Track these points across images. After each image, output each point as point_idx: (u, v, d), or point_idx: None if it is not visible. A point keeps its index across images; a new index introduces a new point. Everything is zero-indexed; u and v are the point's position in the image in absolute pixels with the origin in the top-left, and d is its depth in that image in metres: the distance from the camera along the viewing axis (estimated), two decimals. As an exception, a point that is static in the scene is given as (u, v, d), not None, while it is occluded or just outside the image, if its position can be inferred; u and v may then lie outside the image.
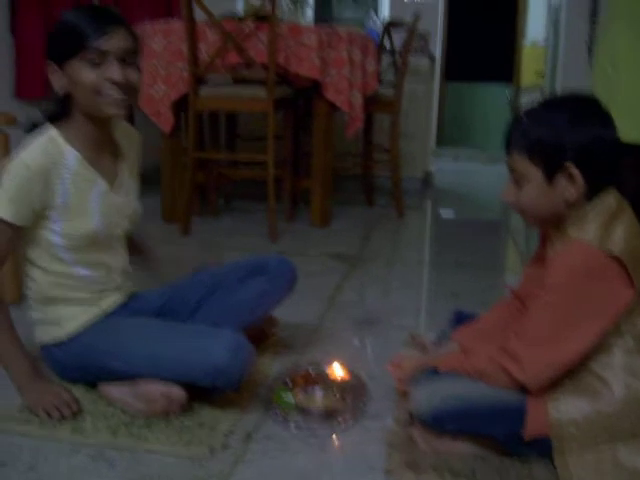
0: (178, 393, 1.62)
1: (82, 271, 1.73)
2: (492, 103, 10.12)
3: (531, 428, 1.41)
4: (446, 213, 4.70)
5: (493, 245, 3.98)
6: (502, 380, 1.43)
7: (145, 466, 1.46)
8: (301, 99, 4.19)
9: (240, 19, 3.48)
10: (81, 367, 1.72)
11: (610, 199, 1.42)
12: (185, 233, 3.54)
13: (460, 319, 1.88)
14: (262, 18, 3.38)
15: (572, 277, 1.38)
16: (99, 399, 1.71)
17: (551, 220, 1.48)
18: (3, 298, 1.72)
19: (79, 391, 1.74)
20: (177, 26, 3.49)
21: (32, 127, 1.71)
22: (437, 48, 5.91)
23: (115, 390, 1.69)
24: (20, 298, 2.37)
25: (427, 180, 5.62)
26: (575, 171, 1.38)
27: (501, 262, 3.67)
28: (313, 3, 6.28)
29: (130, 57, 1.65)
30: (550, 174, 1.41)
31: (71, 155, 1.67)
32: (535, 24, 8.50)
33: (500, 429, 1.44)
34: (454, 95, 9.93)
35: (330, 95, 3.58)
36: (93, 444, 1.54)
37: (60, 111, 1.69)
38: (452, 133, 9.67)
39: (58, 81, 1.64)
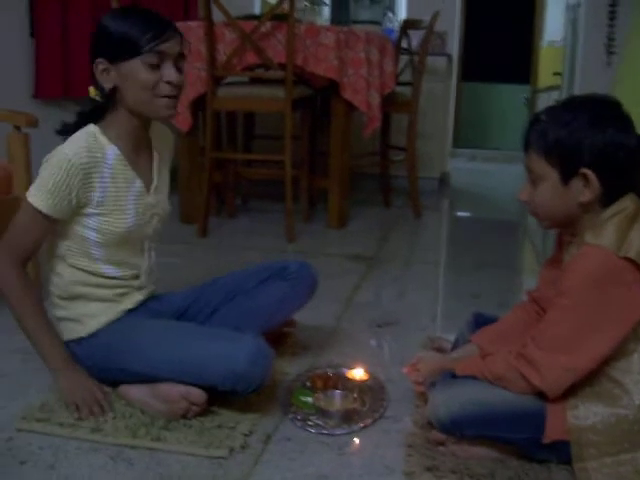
0: (198, 395, 1.61)
1: (109, 269, 1.73)
2: (509, 103, 10.09)
3: (550, 433, 1.40)
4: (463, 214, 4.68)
5: (511, 246, 3.96)
6: (521, 386, 1.42)
7: (164, 466, 1.46)
8: (319, 99, 4.20)
9: (258, 19, 3.48)
10: (101, 367, 1.72)
11: (628, 203, 1.40)
12: (203, 234, 3.54)
13: (479, 321, 1.87)
14: (280, 18, 3.38)
15: (589, 281, 1.37)
16: (118, 399, 1.72)
17: (565, 223, 1.48)
18: (32, 285, 1.73)
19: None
20: (195, 26, 3.50)
21: (64, 127, 1.73)
22: (454, 48, 5.89)
23: (135, 391, 1.70)
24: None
25: (444, 180, 5.62)
26: (591, 175, 1.37)
27: (519, 263, 3.66)
28: (330, 3, 6.29)
29: (180, 60, 1.69)
30: (566, 176, 1.40)
31: (112, 152, 1.69)
32: (553, 24, 8.45)
33: (519, 434, 1.44)
34: (471, 95, 9.90)
35: (348, 95, 3.58)
36: (113, 444, 1.54)
37: (102, 109, 1.70)
38: (469, 133, 9.64)
39: (108, 79, 1.66)
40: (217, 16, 3.41)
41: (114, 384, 1.74)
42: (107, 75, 1.65)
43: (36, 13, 3.79)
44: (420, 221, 4.26)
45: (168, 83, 1.65)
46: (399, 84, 4.23)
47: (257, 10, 5.35)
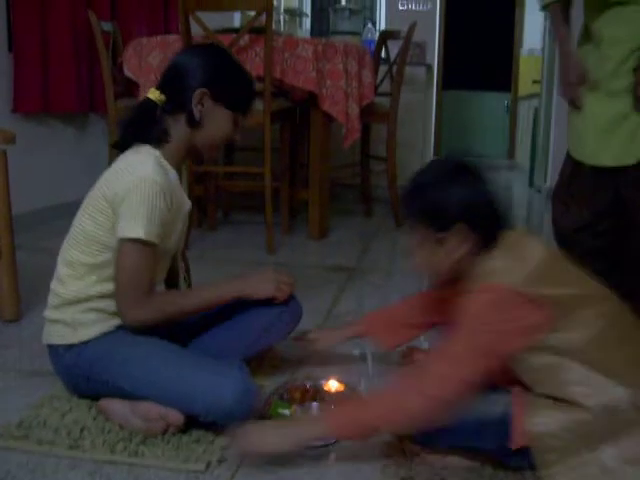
0: (176, 416, 1.62)
1: None
2: (490, 111, 10.16)
3: (516, 439, 1.42)
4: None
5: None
6: (414, 406, 1.43)
7: (142, 481, 1.47)
8: (298, 111, 4.22)
9: (236, 32, 3.50)
10: (86, 376, 1.72)
11: (502, 241, 1.49)
12: (185, 245, 3.53)
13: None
14: (258, 31, 3.40)
15: (483, 311, 1.43)
16: (99, 415, 1.72)
17: (453, 275, 1.57)
18: (162, 293, 1.83)
19: (82, 407, 1.76)
20: (173, 40, 3.51)
21: (122, 142, 1.78)
22: (434, 57, 5.95)
23: (115, 406, 1.69)
24: (19, 314, 2.39)
25: (425, 189, 5.64)
26: (463, 229, 1.47)
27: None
28: (311, 15, 6.32)
29: None
30: (440, 235, 1.49)
31: (173, 175, 1.75)
32: (532, 33, 8.51)
33: (489, 442, 1.45)
34: (452, 104, 9.95)
35: (326, 107, 3.60)
36: (91, 460, 1.55)
37: (165, 134, 1.75)
38: (450, 142, 9.68)
39: (199, 109, 1.74)
40: (197, 30, 3.43)
41: (95, 396, 1.74)
42: (201, 106, 1.74)
43: (15, 28, 3.81)
44: (401, 231, 4.27)
45: (235, 140, 1.85)
46: (378, 95, 4.26)
47: (237, 24, 5.37)
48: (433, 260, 1.55)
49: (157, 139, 1.74)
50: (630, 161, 2.18)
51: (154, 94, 1.76)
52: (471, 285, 1.48)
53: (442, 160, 1.64)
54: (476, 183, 1.50)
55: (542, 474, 1.40)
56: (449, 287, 1.63)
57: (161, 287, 1.90)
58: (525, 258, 1.46)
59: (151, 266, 1.67)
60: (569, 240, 2.40)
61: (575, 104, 2.29)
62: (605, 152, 2.21)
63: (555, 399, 1.43)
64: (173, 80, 1.77)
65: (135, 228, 1.61)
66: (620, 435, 1.37)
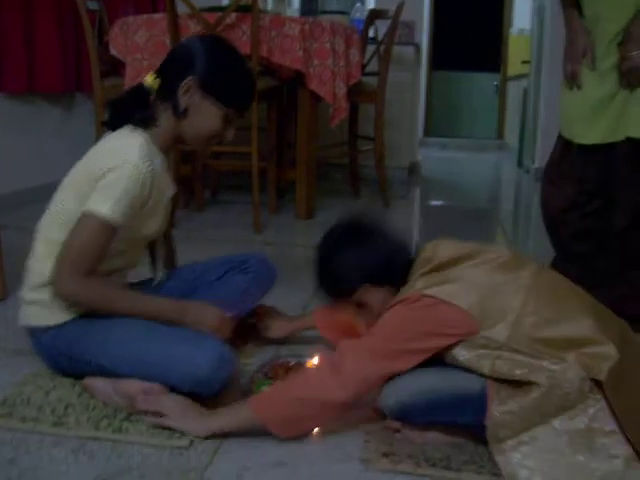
0: (159, 391, 1.62)
1: (115, 261, 1.76)
2: (479, 92, 10.16)
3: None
4: (433, 203, 4.71)
5: (481, 233, 4.00)
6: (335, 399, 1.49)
7: (125, 458, 1.47)
8: (285, 90, 4.20)
9: (223, 10, 3.48)
10: (68, 357, 1.73)
11: (417, 268, 1.58)
12: (171, 226, 3.53)
13: None
14: (245, 9, 3.38)
15: (397, 316, 1.51)
16: (83, 392, 1.72)
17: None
18: (105, 281, 1.75)
19: (66, 385, 1.76)
20: (159, 18, 3.50)
21: (112, 121, 1.77)
22: (423, 37, 5.93)
23: (98, 383, 1.70)
24: (3, 294, 2.39)
25: (414, 169, 5.65)
26: (369, 287, 1.60)
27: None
28: (299, -6, 6.28)
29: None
30: (356, 301, 1.63)
31: (158, 161, 1.73)
32: (522, 12, 8.49)
33: (466, 417, 1.47)
34: (441, 84, 9.95)
35: (314, 86, 3.59)
36: (75, 437, 1.55)
37: (152, 119, 1.74)
38: (439, 122, 9.70)
39: (186, 99, 1.71)
40: (183, 9, 3.41)
41: (79, 375, 1.75)
42: (188, 95, 1.70)
43: (-1, 8, 3.77)
44: (389, 210, 4.28)
45: (224, 138, 1.79)
46: (366, 74, 4.25)
47: (225, 2, 5.34)
48: (365, 318, 1.65)
49: (144, 123, 1.73)
50: (618, 138, 2.20)
51: (150, 78, 1.75)
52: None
53: (330, 231, 1.70)
54: (362, 243, 1.60)
55: (494, 449, 1.41)
56: None
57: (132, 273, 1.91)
58: (434, 274, 1.53)
59: (102, 247, 1.64)
60: (557, 221, 2.42)
61: (574, 80, 2.30)
62: (594, 130, 2.24)
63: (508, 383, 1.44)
64: (168, 65, 1.77)
65: (102, 205, 1.60)
66: (572, 409, 1.38)
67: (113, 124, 1.75)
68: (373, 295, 1.61)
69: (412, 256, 1.64)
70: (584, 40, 2.26)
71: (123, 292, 1.77)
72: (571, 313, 1.47)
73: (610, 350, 1.38)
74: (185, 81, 1.69)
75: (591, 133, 2.25)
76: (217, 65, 1.73)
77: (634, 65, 2.10)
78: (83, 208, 1.62)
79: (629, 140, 2.18)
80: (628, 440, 1.35)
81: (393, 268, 1.61)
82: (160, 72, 1.76)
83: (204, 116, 1.73)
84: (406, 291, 1.53)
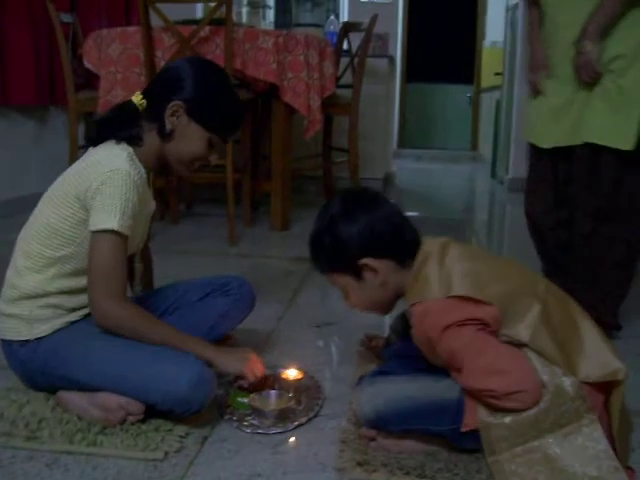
0: (136, 406, 1.62)
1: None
2: (453, 104, 10.23)
3: (468, 422, 1.44)
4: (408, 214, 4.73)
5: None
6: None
7: (100, 471, 1.47)
8: (259, 102, 4.22)
9: (197, 24, 3.49)
10: (42, 371, 1.71)
11: (426, 252, 1.55)
12: (147, 243, 3.52)
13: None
14: (219, 23, 3.40)
15: (438, 333, 1.45)
16: (57, 406, 1.71)
17: (393, 300, 1.64)
18: (142, 310, 1.72)
19: (40, 399, 1.74)
20: (133, 31, 3.50)
21: (96, 137, 1.76)
22: (397, 49, 5.97)
23: (73, 397, 1.69)
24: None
25: (388, 180, 5.68)
26: (370, 262, 1.53)
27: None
28: (274, 8, 6.31)
29: None
30: (355, 274, 1.57)
31: (143, 173, 1.73)
32: (495, 25, 8.57)
33: (442, 425, 1.47)
34: (415, 96, 10.01)
35: (288, 98, 3.61)
36: (49, 451, 1.54)
37: (138, 138, 1.74)
38: (414, 134, 9.75)
39: (172, 121, 1.72)
40: (157, 21, 3.42)
41: (52, 389, 1.74)
42: (174, 118, 1.71)
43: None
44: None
45: (207, 161, 1.80)
46: (341, 87, 4.27)
47: (199, 15, 5.35)
48: (364, 298, 1.62)
49: (129, 140, 1.72)
50: (576, 141, 2.25)
51: (137, 97, 1.76)
52: (409, 297, 1.53)
53: (334, 200, 1.66)
54: (372, 212, 1.55)
55: (489, 460, 1.43)
56: None
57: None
58: (449, 265, 1.49)
59: (124, 259, 1.65)
60: (540, 227, 2.48)
61: (536, 88, 2.40)
62: (553, 134, 2.32)
63: None
64: (156, 86, 1.78)
65: (109, 220, 1.60)
66: (568, 427, 1.40)
67: (97, 140, 1.74)
68: (374, 269, 1.55)
69: (420, 239, 1.60)
70: (541, 53, 2.38)
71: (162, 323, 1.75)
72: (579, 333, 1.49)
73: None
74: (172, 104, 1.70)
75: (550, 137, 2.33)
76: (205, 91, 1.73)
77: (587, 60, 2.14)
78: (91, 228, 1.61)
79: (587, 145, 2.22)
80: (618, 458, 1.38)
81: (400, 241, 1.56)
82: (148, 92, 1.77)
83: (189, 140, 1.73)
84: (421, 284, 1.49)
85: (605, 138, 2.20)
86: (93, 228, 1.61)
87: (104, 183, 1.60)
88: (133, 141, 1.72)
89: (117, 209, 1.60)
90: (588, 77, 2.17)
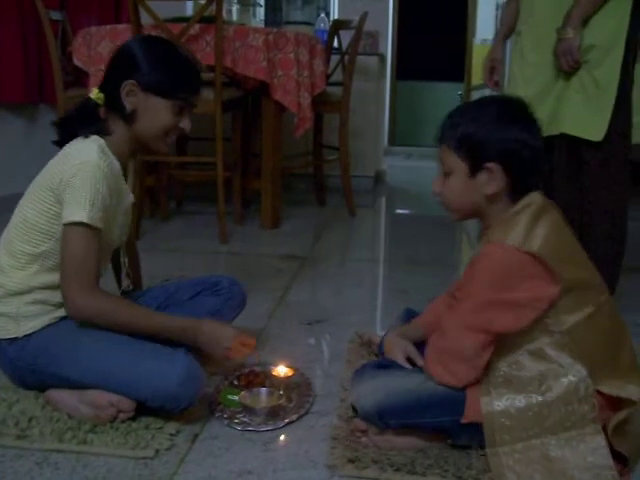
0: (127, 403, 1.62)
1: None
2: (444, 101, 10.21)
3: (469, 414, 1.45)
4: (399, 212, 4.74)
5: (446, 242, 4.03)
6: (445, 379, 1.48)
7: (90, 469, 1.47)
8: (250, 100, 4.21)
9: (187, 21, 3.48)
10: (32, 369, 1.70)
11: (534, 199, 1.48)
12: (136, 237, 3.52)
13: (409, 316, 1.92)
14: (209, 20, 3.39)
15: (492, 273, 1.43)
16: (47, 405, 1.71)
17: (473, 214, 1.56)
18: (116, 297, 1.76)
19: (29, 398, 1.74)
20: (123, 29, 3.49)
21: (62, 137, 1.76)
22: (388, 47, 5.96)
23: (63, 395, 1.69)
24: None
25: (379, 178, 5.68)
26: (496, 169, 1.45)
27: (453, 259, 3.72)
28: (264, 6, 6.29)
29: (193, 109, 1.83)
30: (473, 169, 1.48)
31: (116, 166, 1.73)
32: (485, 22, 8.58)
33: (442, 417, 1.47)
34: (406, 94, 10.01)
35: (278, 96, 3.60)
36: (39, 449, 1.54)
37: (104, 129, 1.74)
38: (405, 132, 9.75)
39: (131, 101, 1.71)
40: (148, 19, 3.41)
41: (42, 387, 1.73)
42: (132, 97, 1.71)
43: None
44: (355, 220, 4.31)
45: (181, 129, 1.79)
46: (330, 84, 4.27)
47: (189, 12, 5.33)
48: (458, 192, 1.53)
49: (96, 134, 1.72)
50: (553, 132, 2.26)
51: (94, 93, 1.76)
52: (492, 234, 1.48)
53: (499, 98, 1.59)
54: (527, 131, 1.46)
55: (489, 451, 1.43)
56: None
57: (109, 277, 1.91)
58: (542, 224, 1.44)
59: (96, 251, 1.65)
60: None
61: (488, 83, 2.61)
62: None
63: (511, 379, 1.46)
64: (107, 76, 1.77)
65: (79, 212, 1.60)
66: (571, 431, 1.41)
67: (63, 142, 1.74)
68: (490, 177, 1.47)
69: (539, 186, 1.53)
70: (495, 52, 2.59)
71: (137, 306, 1.76)
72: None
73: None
74: (124, 84, 1.70)
75: None
76: (151, 62, 1.72)
77: (569, 46, 2.15)
78: (62, 221, 1.62)
79: (565, 136, 2.24)
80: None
81: (530, 174, 1.49)
82: (103, 85, 1.77)
83: (153, 113, 1.73)
84: (513, 223, 1.44)
85: (577, 129, 2.21)
86: (64, 221, 1.61)
87: (74, 175, 1.61)
88: (101, 133, 1.72)
89: (86, 201, 1.60)
90: (567, 65, 2.17)
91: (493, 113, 1.48)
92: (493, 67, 2.59)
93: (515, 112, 1.49)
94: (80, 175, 1.61)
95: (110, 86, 1.74)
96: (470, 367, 1.45)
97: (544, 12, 2.28)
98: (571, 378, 1.42)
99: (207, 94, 3.43)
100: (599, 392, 1.43)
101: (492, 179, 1.46)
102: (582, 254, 1.53)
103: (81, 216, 1.59)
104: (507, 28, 2.52)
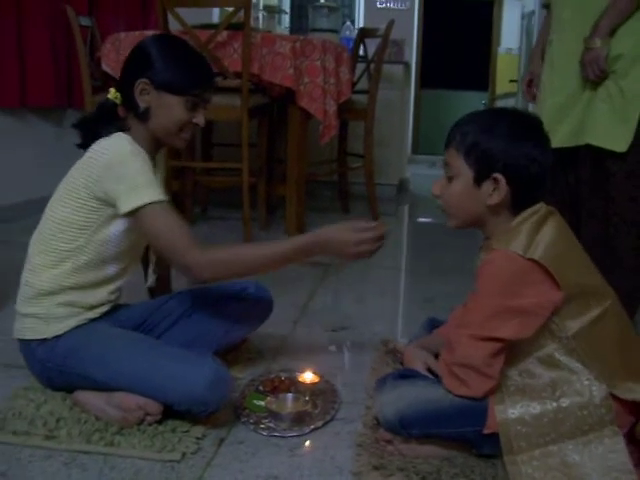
0: (155, 406, 1.62)
1: (113, 268, 1.77)
2: (468, 110, 10.17)
3: (491, 424, 1.44)
4: (422, 220, 4.73)
5: (469, 250, 4.00)
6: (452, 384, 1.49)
7: (117, 471, 1.48)
8: (276, 107, 4.23)
9: (215, 28, 3.51)
10: (60, 370, 1.72)
11: (535, 211, 1.49)
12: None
13: (433, 325, 1.92)
14: (236, 27, 3.41)
15: (497, 280, 1.44)
16: (75, 406, 1.72)
17: (471, 223, 1.58)
18: (223, 246, 1.74)
19: (57, 399, 1.75)
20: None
21: (84, 140, 1.79)
22: (413, 56, 5.97)
23: (90, 397, 1.70)
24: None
25: (403, 186, 5.68)
26: (502, 180, 1.46)
27: (476, 267, 3.70)
28: (289, 13, 6.33)
29: (207, 105, 1.84)
30: (479, 177, 1.49)
31: (147, 157, 1.74)
32: (510, 32, 8.58)
33: (464, 428, 1.47)
34: (430, 102, 10.01)
35: (304, 103, 3.61)
36: (67, 450, 1.55)
37: (123, 129, 1.77)
38: (428, 140, 9.74)
39: (144, 100, 1.75)
40: (175, 25, 3.44)
41: (70, 389, 1.75)
42: (145, 95, 1.74)
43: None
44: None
45: (195, 125, 1.80)
46: (356, 92, 4.28)
47: (215, 19, 5.37)
48: (460, 198, 1.54)
49: (120, 128, 1.76)
50: (579, 142, 2.25)
51: (111, 92, 1.80)
52: (495, 243, 1.49)
53: (514, 110, 1.58)
54: (539, 147, 1.47)
55: (506, 460, 1.42)
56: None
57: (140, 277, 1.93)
58: (544, 231, 1.45)
59: (178, 217, 1.67)
60: None
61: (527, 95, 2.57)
62: (560, 134, 2.29)
63: (524, 388, 1.46)
64: (122, 77, 1.81)
65: (142, 195, 1.63)
66: (589, 434, 1.41)
67: (86, 144, 1.77)
68: (495, 187, 1.47)
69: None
70: (533, 65, 2.53)
71: (248, 244, 1.77)
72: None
73: None
74: (137, 83, 1.73)
75: (554, 137, 2.29)
76: (161, 58, 1.74)
77: (596, 56, 2.14)
78: (127, 209, 1.63)
79: (590, 146, 2.22)
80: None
81: (536, 192, 1.50)
82: (119, 85, 1.81)
83: (166, 110, 1.75)
84: (515, 233, 1.45)
85: (602, 139, 2.19)
86: (129, 208, 1.63)
87: (120, 164, 1.64)
88: (122, 131, 1.75)
89: (142, 184, 1.63)
90: (594, 74, 2.17)
91: (507, 125, 1.48)
92: (531, 80, 2.58)
93: (529, 128, 1.50)
94: (125, 164, 1.64)
95: (125, 85, 1.77)
96: (482, 377, 1.45)
97: (572, 22, 2.28)
98: (584, 382, 1.43)
99: (233, 100, 3.45)
100: (614, 397, 1.43)
101: (496, 190, 1.47)
102: (586, 260, 1.54)
103: (148, 197, 1.63)
104: (544, 41, 2.52)
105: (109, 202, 1.66)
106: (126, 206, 1.63)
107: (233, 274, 1.74)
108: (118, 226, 1.71)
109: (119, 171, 1.63)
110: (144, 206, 1.63)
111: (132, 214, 1.64)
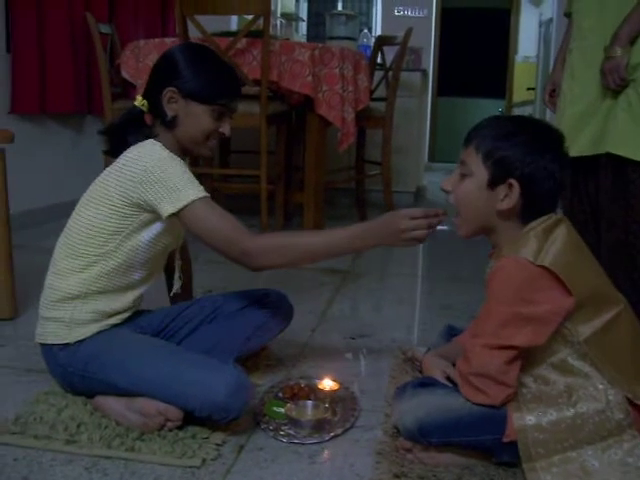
0: (175, 413, 1.63)
1: (139, 274, 1.79)
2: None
3: (510, 432, 1.44)
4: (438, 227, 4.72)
5: (485, 258, 3.99)
6: (468, 392, 1.49)
7: (138, 476, 1.48)
8: (294, 114, 4.24)
9: (234, 35, 3.52)
10: (84, 376, 1.73)
11: (544, 220, 1.49)
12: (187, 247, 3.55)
13: (451, 333, 1.92)
14: (255, 35, 3.43)
15: (508, 287, 1.44)
16: (96, 411, 1.73)
17: (481, 228, 1.59)
18: (277, 234, 1.86)
19: (78, 403, 1.76)
20: (170, 43, 3.54)
21: (113, 146, 1.82)
22: (430, 64, 5.97)
23: (111, 402, 1.70)
24: (15, 312, 2.41)
25: (420, 194, 5.67)
26: (516, 188, 1.46)
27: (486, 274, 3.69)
28: (307, 20, 6.34)
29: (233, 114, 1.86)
30: (494, 181, 1.49)
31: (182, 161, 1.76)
32: (527, 40, 8.56)
33: (484, 436, 1.47)
34: (447, 110, 10.00)
35: (322, 111, 3.62)
36: (87, 455, 1.56)
37: (151, 135, 1.78)
38: (445, 148, 9.73)
39: (172, 108, 1.76)
40: (194, 32, 3.45)
41: (91, 394, 1.76)
42: (173, 104, 1.76)
43: (13, 29, 3.82)
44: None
45: (221, 134, 1.81)
46: (374, 99, 4.29)
47: (234, 27, 5.40)
48: (471, 197, 1.54)
49: (149, 135, 1.78)
50: (600, 150, 2.24)
51: (138, 100, 1.82)
52: (504, 250, 1.49)
53: (539, 121, 1.59)
54: (557, 162, 1.47)
55: (525, 467, 1.42)
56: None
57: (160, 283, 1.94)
58: (554, 237, 1.45)
59: (224, 210, 1.70)
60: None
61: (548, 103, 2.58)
62: (577, 142, 2.29)
63: (540, 395, 1.46)
64: (149, 84, 1.82)
65: (185, 195, 1.64)
66: (608, 440, 1.40)
67: (114, 150, 1.79)
68: (508, 193, 1.47)
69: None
70: (555, 75, 2.51)
71: (300, 231, 1.79)
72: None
73: None
74: (165, 92, 1.74)
75: (574, 146, 2.28)
76: (189, 68, 1.75)
77: (616, 64, 2.13)
78: (172, 210, 1.64)
79: (611, 155, 2.22)
80: None
81: (549, 203, 1.51)
82: (146, 92, 1.82)
83: (193, 119, 1.76)
84: (525, 240, 1.45)
85: (622, 148, 2.19)
86: (174, 209, 1.64)
87: (159, 169, 1.65)
88: (150, 139, 1.77)
89: (182, 185, 1.64)
90: (614, 83, 2.16)
91: (530, 135, 1.48)
92: (553, 90, 2.58)
93: (550, 141, 1.50)
94: (163, 168, 1.65)
95: (152, 93, 1.79)
96: (500, 385, 1.44)
97: (592, 30, 2.27)
98: (599, 387, 1.42)
99: (252, 108, 3.46)
100: (631, 403, 1.42)
101: (508, 196, 1.47)
102: (596, 266, 1.54)
103: (193, 194, 1.65)
104: (566, 50, 2.52)
105: (146, 208, 1.68)
106: (170, 208, 1.64)
107: (287, 261, 1.74)
108: (150, 232, 1.72)
109: (159, 175, 1.64)
110: (190, 204, 1.64)
111: (175, 215, 1.65)
